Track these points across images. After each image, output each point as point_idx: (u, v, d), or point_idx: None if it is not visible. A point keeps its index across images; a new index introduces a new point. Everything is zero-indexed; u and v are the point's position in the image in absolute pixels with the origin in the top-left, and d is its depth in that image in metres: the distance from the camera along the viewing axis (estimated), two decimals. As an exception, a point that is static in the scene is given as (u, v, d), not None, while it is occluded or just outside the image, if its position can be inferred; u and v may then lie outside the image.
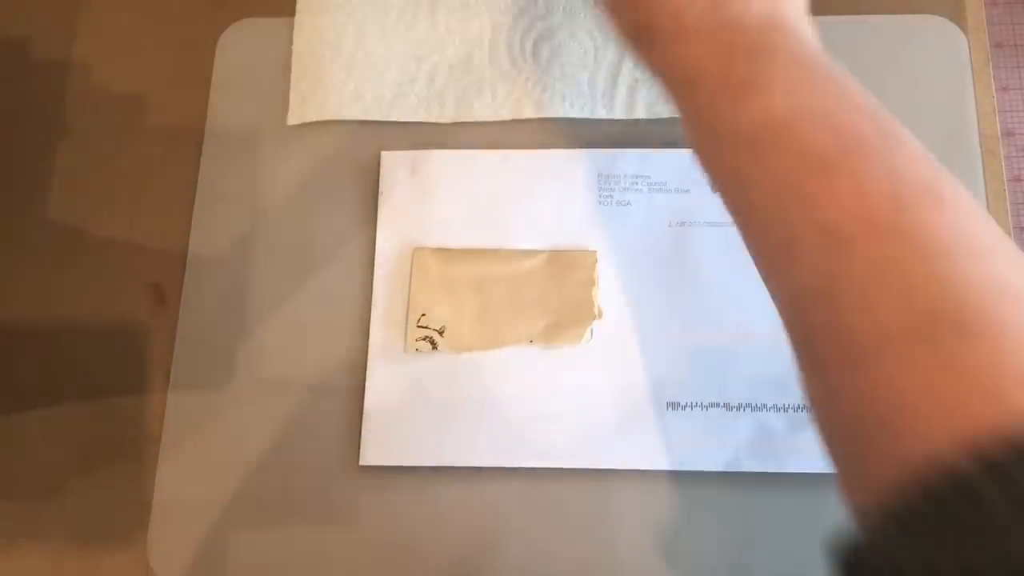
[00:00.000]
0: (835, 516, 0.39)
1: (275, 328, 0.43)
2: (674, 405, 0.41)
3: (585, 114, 0.46)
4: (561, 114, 0.46)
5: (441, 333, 0.42)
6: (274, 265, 0.44)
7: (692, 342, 0.42)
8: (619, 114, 0.46)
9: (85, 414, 0.43)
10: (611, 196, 0.44)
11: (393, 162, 0.45)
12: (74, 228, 0.46)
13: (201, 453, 0.42)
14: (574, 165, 0.45)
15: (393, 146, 0.46)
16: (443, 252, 0.44)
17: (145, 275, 0.45)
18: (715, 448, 0.40)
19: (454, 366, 0.42)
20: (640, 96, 0.46)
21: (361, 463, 0.41)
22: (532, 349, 0.42)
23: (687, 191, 0.44)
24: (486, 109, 0.46)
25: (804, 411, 0.41)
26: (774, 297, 0.27)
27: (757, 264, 0.28)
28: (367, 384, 0.42)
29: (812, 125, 0.26)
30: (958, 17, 0.47)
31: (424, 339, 0.42)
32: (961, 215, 0.24)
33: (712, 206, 0.44)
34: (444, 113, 0.46)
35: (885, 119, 0.26)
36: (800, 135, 0.26)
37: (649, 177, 0.45)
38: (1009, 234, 0.44)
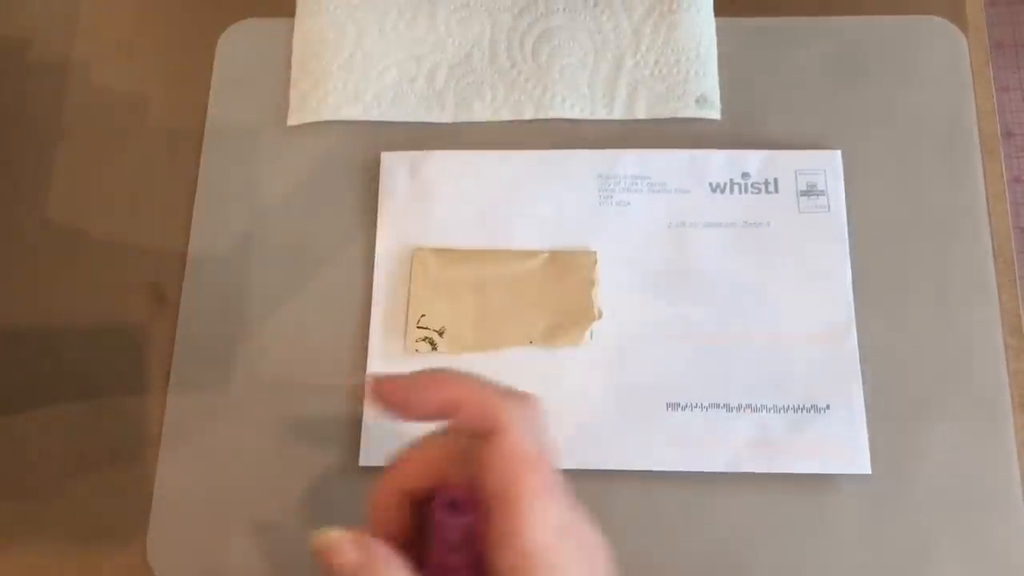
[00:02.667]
0: (835, 516, 0.40)
1: (275, 328, 0.43)
2: (674, 405, 0.41)
3: (585, 115, 0.46)
4: (561, 115, 0.46)
5: (441, 334, 0.42)
6: (274, 265, 0.44)
7: (692, 342, 0.42)
8: (619, 115, 0.46)
9: (85, 414, 0.43)
10: (611, 196, 0.44)
11: (393, 162, 0.45)
12: (74, 228, 0.46)
13: (201, 453, 0.42)
14: (574, 165, 0.45)
15: (393, 146, 0.46)
16: (443, 252, 0.44)
17: (145, 275, 0.45)
18: (715, 448, 0.40)
19: (454, 367, 0.42)
20: (640, 97, 0.46)
21: (361, 463, 0.41)
22: (532, 350, 0.42)
23: (687, 191, 0.44)
24: (486, 110, 0.46)
25: (804, 411, 0.41)
26: None
27: None
28: (367, 384, 0.42)
29: None
30: (958, 17, 0.47)
31: (424, 340, 0.42)
32: None
33: (712, 207, 0.44)
34: (444, 113, 0.46)
35: None
36: None
37: (649, 177, 0.45)
38: (1009, 234, 0.44)
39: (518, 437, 0.27)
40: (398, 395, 0.29)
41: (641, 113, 0.46)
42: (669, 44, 0.47)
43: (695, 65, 0.46)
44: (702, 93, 0.46)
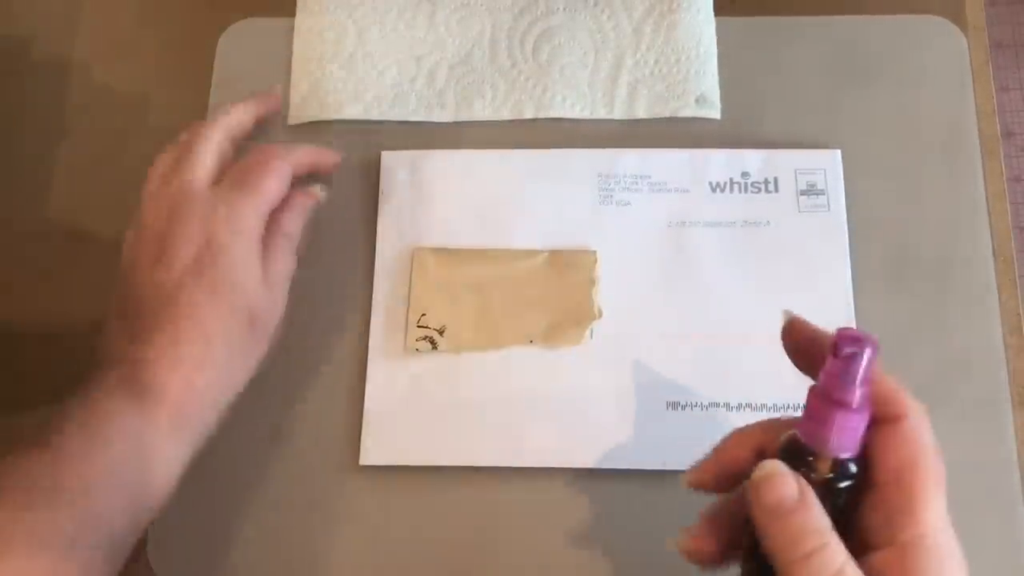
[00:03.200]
0: (835, 516, 0.40)
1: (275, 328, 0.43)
2: (674, 405, 0.41)
3: (585, 114, 0.46)
4: (561, 114, 0.46)
5: (441, 333, 0.42)
6: (274, 265, 0.44)
7: (692, 342, 0.42)
8: (619, 114, 0.46)
9: (85, 414, 0.43)
10: (611, 196, 0.44)
11: (393, 162, 0.45)
12: (74, 228, 0.46)
13: (201, 453, 0.42)
14: (574, 165, 0.45)
15: (393, 146, 0.46)
16: (443, 252, 0.44)
17: (145, 275, 0.45)
18: (715, 448, 0.40)
19: (454, 366, 0.42)
20: (640, 96, 0.46)
21: (361, 463, 0.41)
22: (532, 349, 0.42)
23: (687, 191, 0.44)
24: (486, 109, 0.46)
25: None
26: None
27: None
28: (367, 384, 0.42)
29: None
30: (958, 17, 0.47)
31: (424, 339, 0.42)
32: None
33: (712, 206, 0.44)
34: (444, 113, 0.46)
35: None
36: None
37: (649, 177, 0.45)
38: (1009, 234, 0.44)
39: (923, 426, 0.28)
40: (808, 346, 0.31)
41: (641, 112, 0.46)
42: (669, 44, 0.47)
43: (695, 64, 0.46)
44: (702, 92, 0.46)
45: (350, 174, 0.46)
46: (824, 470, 0.28)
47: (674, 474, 0.41)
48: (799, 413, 0.41)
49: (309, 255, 0.45)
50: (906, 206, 0.44)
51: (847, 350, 0.28)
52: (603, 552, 0.40)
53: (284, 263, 0.38)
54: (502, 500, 0.41)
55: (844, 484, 0.28)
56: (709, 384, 0.41)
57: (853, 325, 0.42)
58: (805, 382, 0.41)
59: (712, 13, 0.47)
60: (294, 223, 0.39)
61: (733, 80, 0.46)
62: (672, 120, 0.46)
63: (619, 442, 0.41)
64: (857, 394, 0.28)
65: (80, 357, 0.44)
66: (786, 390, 0.41)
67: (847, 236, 0.43)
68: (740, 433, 0.32)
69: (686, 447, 0.41)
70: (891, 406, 0.28)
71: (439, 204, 0.45)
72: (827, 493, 0.28)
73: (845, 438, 0.28)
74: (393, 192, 0.45)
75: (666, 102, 0.46)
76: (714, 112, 0.46)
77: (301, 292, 0.44)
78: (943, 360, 0.42)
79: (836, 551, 0.26)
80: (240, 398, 0.42)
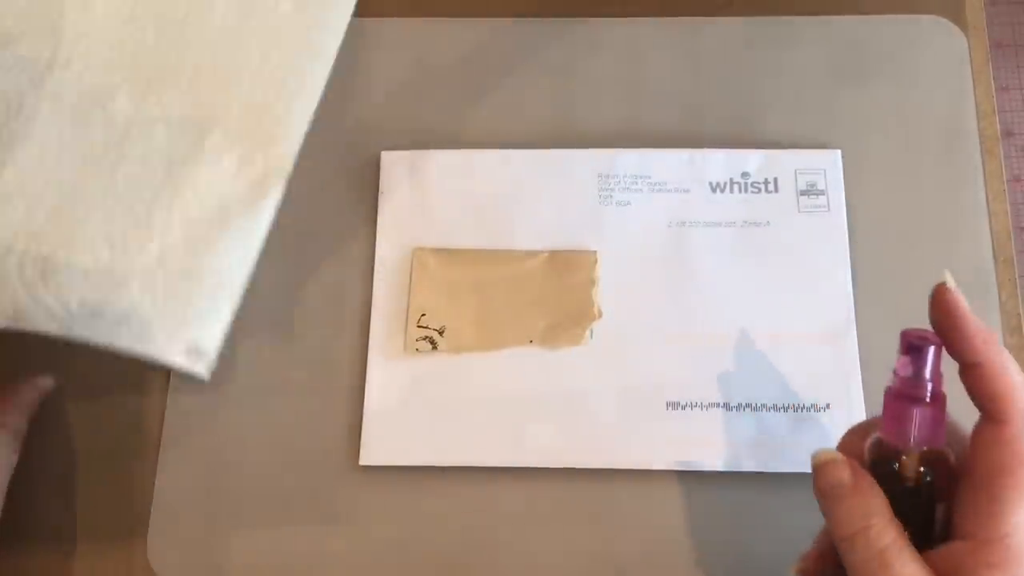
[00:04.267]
0: (835, 516, 0.40)
1: (275, 328, 0.43)
2: (674, 405, 0.41)
3: None
4: None
5: (441, 333, 0.42)
6: (274, 265, 0.44)
7: (692, 342, 0.42)
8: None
9: (85, 414, 0.43)
10: (611, 196, 0.44)
11: (393, 162, 0.45)
12: (74, 228, 0.46)
13: (201, 453, 0.42)
14: (574, 165, 0.45)
15: (393, 146, 0.46)
16: (443, 252, 0.44)
17: (145, 275, 0.45)
18: (715, 448, 0.40)
19: (454, 366, 0.42)
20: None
21: (361, 463, 0.41)
22: (532, 349, 0.42)
23: (687, 191, 0.44)
24: None
25: (804, 411, 0.41)
26: None
27: None
28: (367, 384, 0.42)
29: None
30: (958, 17, 0.47)
31: (424, 339, 0.42)
32: None
33: (712, 206, 0.44)
34: None
35: None
36: None
37: (649, 177, 0.45)
38: (1009, 234, 0.44)
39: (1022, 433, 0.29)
40: (954, 323, 0.30)
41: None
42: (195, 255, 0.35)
43: (201, 300, 0.35)
44: (195, 339, 0.34)
45: (350, 174, 0.46)
46: (913, 465, 0.29)
47: (674, 474, 0.41)
48: (798, 413, 0.41)
49: (309, 255, 0.45)
50: (906, 206, 0.44)
51: (913, 349, 0.30)
52: (603, 552, 0.40)
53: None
54: (502, 500, 0.41)
55: (930, 477, 0.29)
56: (709, 384, 0.41)
57: (853, 325, 0.42)
58: (806, 382, 0.41)
59: (260, 243, 0.37)
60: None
61: (733, 80, 0.46)
62: (671, 119, 0.46)
63: (619, 442, 0.41)
64: (928, 389, 0.29)
65: (80, 357, 0.44)
66: (786, 390, 0.41)
67: (847, 236, 0.43)
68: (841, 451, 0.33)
69: (686, 447, 0.41)
70: (997, 408, 0.29)
71: (439, 204, 0.45)
72: (919, 487, 0.29)
73: (925, 431, 0.29)
74: (393, 192, 0.45)
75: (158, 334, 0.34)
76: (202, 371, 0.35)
77: (301, 292, 0.44)
78: (942, 360, 0.42)
79: (882, 532, 0.28)
80: (240, 398, 0.42)
